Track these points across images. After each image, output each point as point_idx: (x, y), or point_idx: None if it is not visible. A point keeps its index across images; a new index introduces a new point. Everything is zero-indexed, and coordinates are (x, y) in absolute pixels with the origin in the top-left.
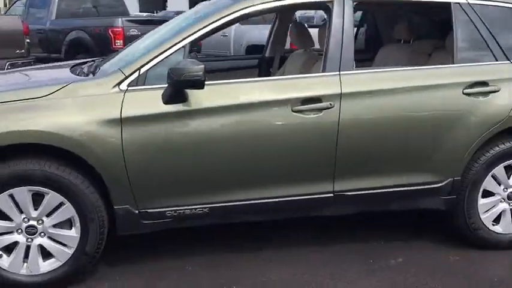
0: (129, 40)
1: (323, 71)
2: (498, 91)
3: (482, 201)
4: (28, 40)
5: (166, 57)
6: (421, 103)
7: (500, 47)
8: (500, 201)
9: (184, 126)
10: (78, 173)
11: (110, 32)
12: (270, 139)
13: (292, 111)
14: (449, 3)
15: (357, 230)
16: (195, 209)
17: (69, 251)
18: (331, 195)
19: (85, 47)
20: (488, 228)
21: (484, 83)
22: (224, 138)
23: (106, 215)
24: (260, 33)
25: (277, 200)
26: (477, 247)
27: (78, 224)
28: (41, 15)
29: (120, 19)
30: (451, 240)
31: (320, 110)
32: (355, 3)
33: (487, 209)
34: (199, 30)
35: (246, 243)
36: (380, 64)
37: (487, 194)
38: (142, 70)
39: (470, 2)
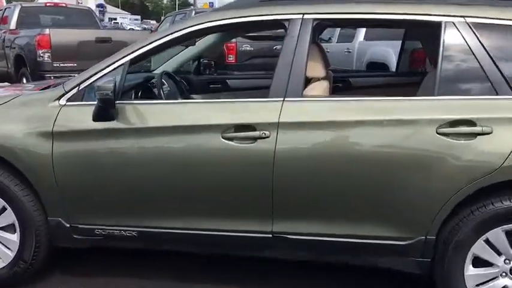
0: (242, 55)
1: (268, 97)
2: (490, 133)
3: (472, 271)
4: None
5: (105, 74)
6: (378, 141)
7: (504, 78)
8: (501, 275)
9: (109, 144)
10: (19, 181)
11: (224, 46)
12: (198, 166)
13: (222, 138)
14: (439, 23)
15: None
16: (124, 230)
17: (11, 255)
18: (270, 235)
19: None
20: None
21: (469, 122)
22: (149, 162)
23: (44, 225)
24: (381, 49)
25: (209, 233)
26: None
27: (18, 230)
28: None
29: None
30: None
31: (253, 139)
32: (316, 22)
33: (479, 282)
34: (141, 48)
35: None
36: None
37: (481, 263)
38: (82, 86)
39: (469, 20)
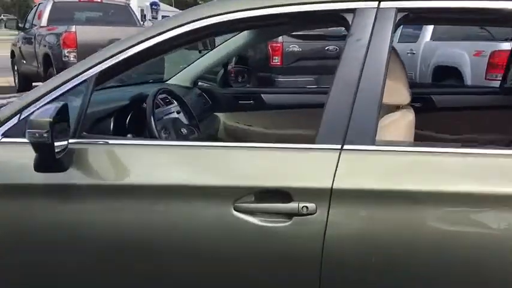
0: (288, 57)
1: (315, 142)
2: None
3: None
4: None
5: (60, 95)
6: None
7: None
8: None
9: (59, 209)
10: None
11: (269, 47)
12: (194, 255)
13: (235, 209)
14: None
15: None
16: None
17: None
18: None
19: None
20: None
21: None
22: (118, 241)
23: None
24: (452, 51)
25: None
26: None
27: None
28: None
29: None
30: None
31: (288, 215)
32: (402, 15)
33: None
34: (116, 55)
35: None
36: None
37: None
38: (24, 115)
39: None
